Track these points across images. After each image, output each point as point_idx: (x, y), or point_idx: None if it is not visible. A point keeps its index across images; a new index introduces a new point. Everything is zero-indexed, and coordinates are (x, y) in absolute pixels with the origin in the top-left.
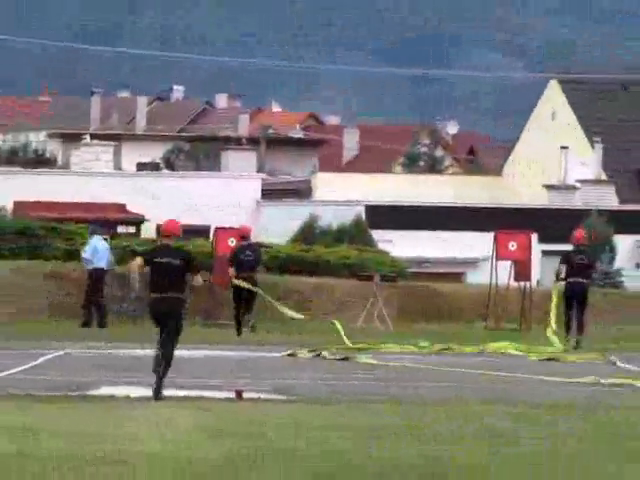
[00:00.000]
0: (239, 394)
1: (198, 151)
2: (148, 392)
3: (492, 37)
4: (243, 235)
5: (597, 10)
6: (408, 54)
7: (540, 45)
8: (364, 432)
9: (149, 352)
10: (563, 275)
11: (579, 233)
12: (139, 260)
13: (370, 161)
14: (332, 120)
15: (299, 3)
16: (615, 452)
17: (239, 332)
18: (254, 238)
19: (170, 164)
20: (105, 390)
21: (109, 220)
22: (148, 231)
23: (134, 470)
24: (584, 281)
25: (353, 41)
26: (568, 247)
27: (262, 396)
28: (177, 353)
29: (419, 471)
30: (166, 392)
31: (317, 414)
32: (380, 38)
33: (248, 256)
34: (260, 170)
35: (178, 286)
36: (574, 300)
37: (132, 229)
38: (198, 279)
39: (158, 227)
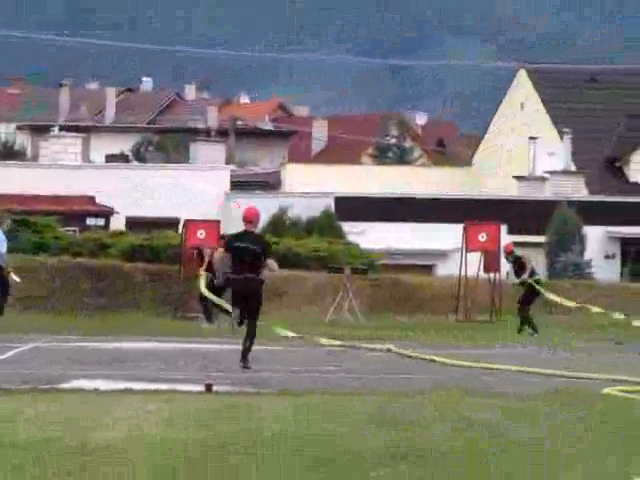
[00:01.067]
0: (208, 387)
1: (167, 143)
2: (118, 385)
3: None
4: (249, 219)
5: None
6: (383, 43)
7: (510, 36)
8: (349, 421)
9: (118, 345)
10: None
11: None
12: (221, 250)
13: (339, 152)
14: (301, 111)
15: None
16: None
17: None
18: (222, 230)
19: (139, 156)
20: (75, 383)
21: (78, 212)
22: (117, 223)
23: (121, 457)
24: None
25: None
26: (538, 238)
27: (232, 389)
28: (150, 345)
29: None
30: (135, 385)
31: (295, 403)
32: (354, 30)
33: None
34: (229, 162)
35: (256, 268)
36: None
37: (101, 221)
38: (273, 263)
39: (131, 221)
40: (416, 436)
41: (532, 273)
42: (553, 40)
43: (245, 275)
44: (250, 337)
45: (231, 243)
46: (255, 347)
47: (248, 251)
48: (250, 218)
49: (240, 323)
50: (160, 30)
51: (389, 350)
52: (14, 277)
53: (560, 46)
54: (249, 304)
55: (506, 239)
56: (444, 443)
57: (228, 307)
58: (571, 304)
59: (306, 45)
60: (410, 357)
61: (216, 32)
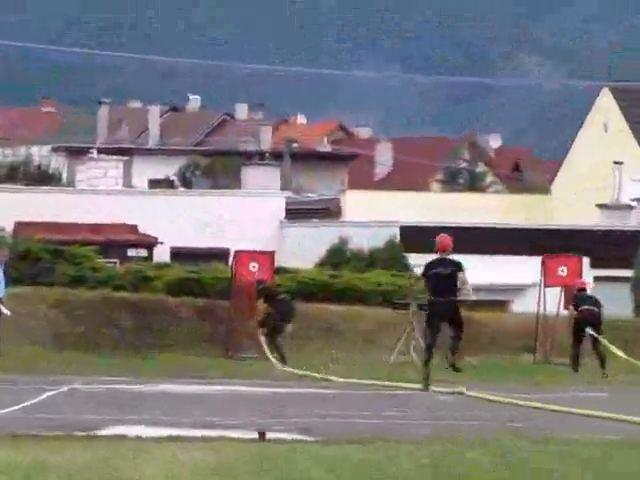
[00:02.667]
0: (262, 434)
1: (216, 167)
2: (161, 431)
3: (538, 44)
4: (444, 248)
5: None
6: (443, 61)
7: (588, 52)
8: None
9: (162, 387)
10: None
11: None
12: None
13: (405, 178)
14: (362, 132)
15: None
16: None
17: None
18: (277, 262)
19: (185, 181)
20: (114, 430)
21: (119, 242)
22: (161, 255)
23: None
24: None
25: (373, 45)
26: (624, 273)
27: (287, 436)
28: (197, 388)
29: None
30: (181, 432)
31: (356, 453)
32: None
33: (443, 273)
34: (284, 187)
35: (452, 290)
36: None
37: (144, 252)
38: (464, 292)
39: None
40: None
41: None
42: (637, 55)
43: (444, 298)
44: (457, 336)
45: (427, 271)
46: (312, 390)
47: (443, 276)
48: (444, 247)
49: (429, 348)
50: (205, 45)
51: (461, 393)
52: (4, 310)
53: None
54: (451, 322)
55: (588, 273)
56: None
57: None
58: (621, 354)
59: (364, 62)
60: (489, 400)
61: (260, 48)
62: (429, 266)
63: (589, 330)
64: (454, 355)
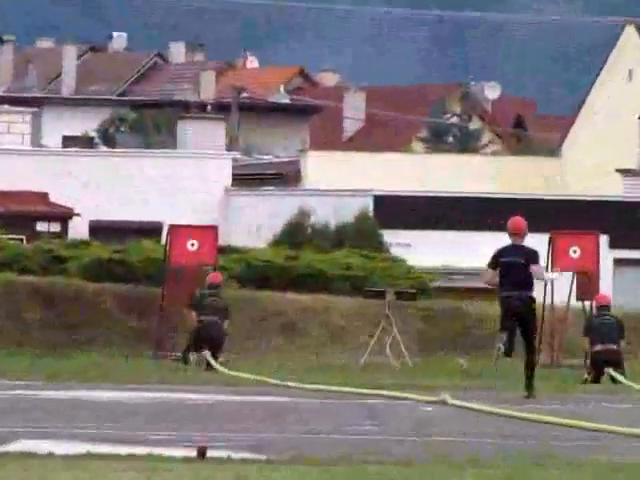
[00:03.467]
0: (202, 451)
1: (146, 121)
2: (78, 448)
3: None
4: (516, 231)
5: None
6: None
7: None
8: None
9: (79, 394)
10: None
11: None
12: (491, 271)
13: (380, 136)
14: (329, 79)
15: None
16: None
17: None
18: (221, 239)
19: (108, 139)
20: (23, 445)
21: (25, 214)
22: (78, 230)
23: None
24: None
25: None
26: None
27: (232, 455)
28: (122, 395)
29: None
30: (102, 448)
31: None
32: None
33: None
34: (231, 147)
35: (529, 285)
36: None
37: (56, 226)
38: (540, 268)
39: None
40: None
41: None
42: None
43: (517, 293)
44: (531, 364)
45: (497, 258)
46: (262, 399)
47: (517, 266)
48: (518, 231)
49: (508, 351)
50: None
51: (444, 402)
52: None
53: None
54: (524, 324)
55: (607, 255)
56: None
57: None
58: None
59: None
60: (480, 411)
61: None
62: (500, 254)
63: (610, 371)
64: (532, 371)
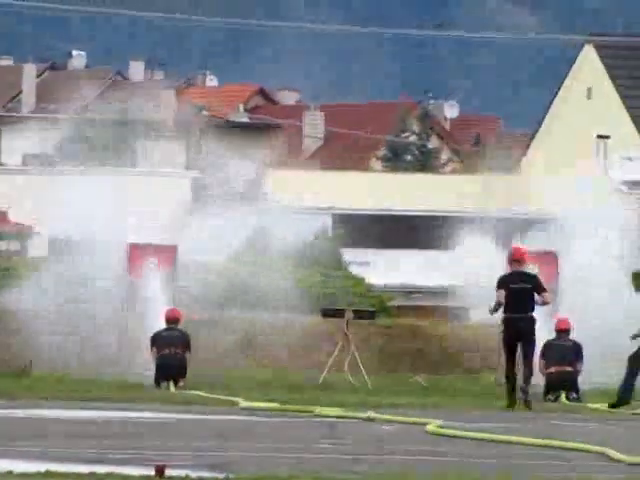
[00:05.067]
0: (160, 470)
1: (106, 139)
2: (36, 466)
3: None
4: (518, 258)
5: None
6: (388, 9)
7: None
8: None
9: (36, 412)
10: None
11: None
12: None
13: (340, 154)
14: (288, 98)
15: None
16: None
17: None
18: (183, 256)
19: (68, 156)
20: None
21: None
22: (38, 247)
23: None
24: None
25: None
26: None
27: (191, 474)
28: (81, 413)
29: None
30: (60, 467)
31: None
32: None
33: (522, 285)
34: (190, 166)
35: (532, 307)
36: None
37: (16, 245)
38: (547, 297)
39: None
40: None
41: None
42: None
43: (523, 315)
44: (527, 379)
45: (506, 285)
46: (221, 417)
47: (526, 292)
48: (519, 257)
49: (510, 379)
50: None
51: (369, 419)
52: None
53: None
54: (526, 341)
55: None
56: None
57: None
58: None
59: (295, 11)
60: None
61: None
62: (506, 280)
63: (562, 398)
64: (527, 385)
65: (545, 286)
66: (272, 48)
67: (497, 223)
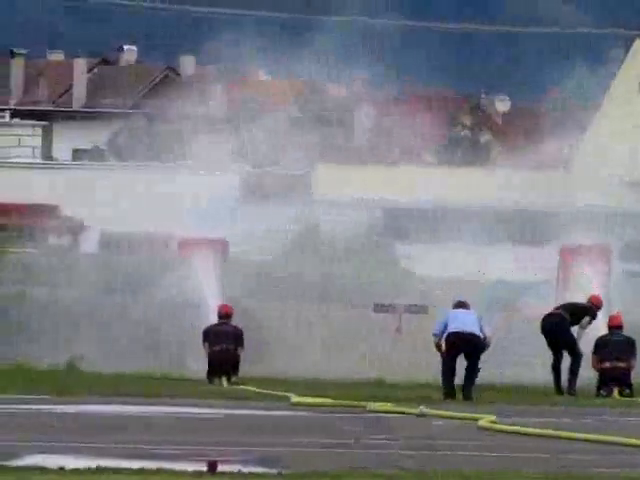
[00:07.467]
0: (212, 466)
1: (157, 134)
2: (88, 462)
3: None
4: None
5: None
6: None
7: None
8: None
9: (88, 408)
10: None
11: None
12: None
13: (390, 148)
14: (337, 91)
15: None
16: None
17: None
18: (233, 250)
19: (118, 152)
20: (31, 460)
21: (36, 227)
22: (89, 242)
23: None
24: None
25: None
26: None
27: (242, 469)
28: (131, 409)
29: None
30: (112, 462)
31: None
32: None
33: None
34: (240, 161)
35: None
36: None
37: (67, 239)
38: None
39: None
40: None
41: None
42: None
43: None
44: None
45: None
46: (265, 413)
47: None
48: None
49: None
50: None
51: (421, 414)
52: None
53: None
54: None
55: (617, 267)
56: None
57: None
58: None
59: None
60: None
61: None
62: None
63: (615, 393)
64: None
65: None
66: (321, 42)
67: (546, 217)
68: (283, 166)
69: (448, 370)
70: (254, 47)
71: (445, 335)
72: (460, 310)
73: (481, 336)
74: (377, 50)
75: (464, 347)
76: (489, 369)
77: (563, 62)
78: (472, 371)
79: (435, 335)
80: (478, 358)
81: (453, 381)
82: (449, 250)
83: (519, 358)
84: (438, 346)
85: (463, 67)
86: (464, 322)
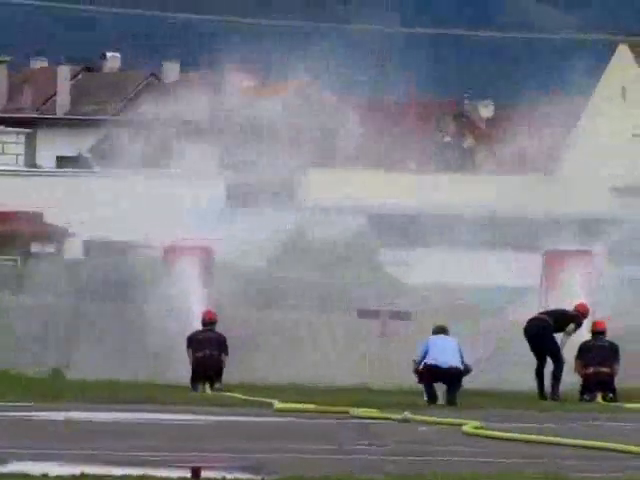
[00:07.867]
0: (196, 472)
1: (140, 140)
2: (72, 469)
3: None
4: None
5: None
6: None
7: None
8: None
9: (73, 415)
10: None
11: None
12: None
13: (376, 153)
14: (324, 97)
15: None
16: None
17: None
18: (219, 257)
19: (102, 159)
20: (16, 466)
21: (20, 235)
22: (73, 249)
23: None
24: None
25: None
26: None
27: (226, 475)
28: (118, 416)
29: None
30: (97, 469)
31: None
32: None
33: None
34: (225, 167)
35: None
36: None
37: (51, 248)
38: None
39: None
40: None
41: None
42: None
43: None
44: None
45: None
46: (256, 419)
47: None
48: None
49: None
50: None
51: (405, 420)
52: None
53: None
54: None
55: (602, 272)
56: None
57: None
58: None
59: (331, 11)
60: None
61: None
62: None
63: (598, 398)
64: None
65: None
66: (310, 48)
67: (533, 223)
68: (269, 172)
69: (428, 386)
70: (240, 53)
71: (423, 364)
72: (440, 336)
73: (461, 367)
74: (365, 57)
75: (442, 379)
76: (475, 375)
77: (546, 67)
78: (453, 392)
79: (415, 362)
80: (459, 386)
81: (433, 387)
82: (435, 256)
83: (504, 363)
84: (417, 372)
85: (447, 72)
86: (444, 350)
